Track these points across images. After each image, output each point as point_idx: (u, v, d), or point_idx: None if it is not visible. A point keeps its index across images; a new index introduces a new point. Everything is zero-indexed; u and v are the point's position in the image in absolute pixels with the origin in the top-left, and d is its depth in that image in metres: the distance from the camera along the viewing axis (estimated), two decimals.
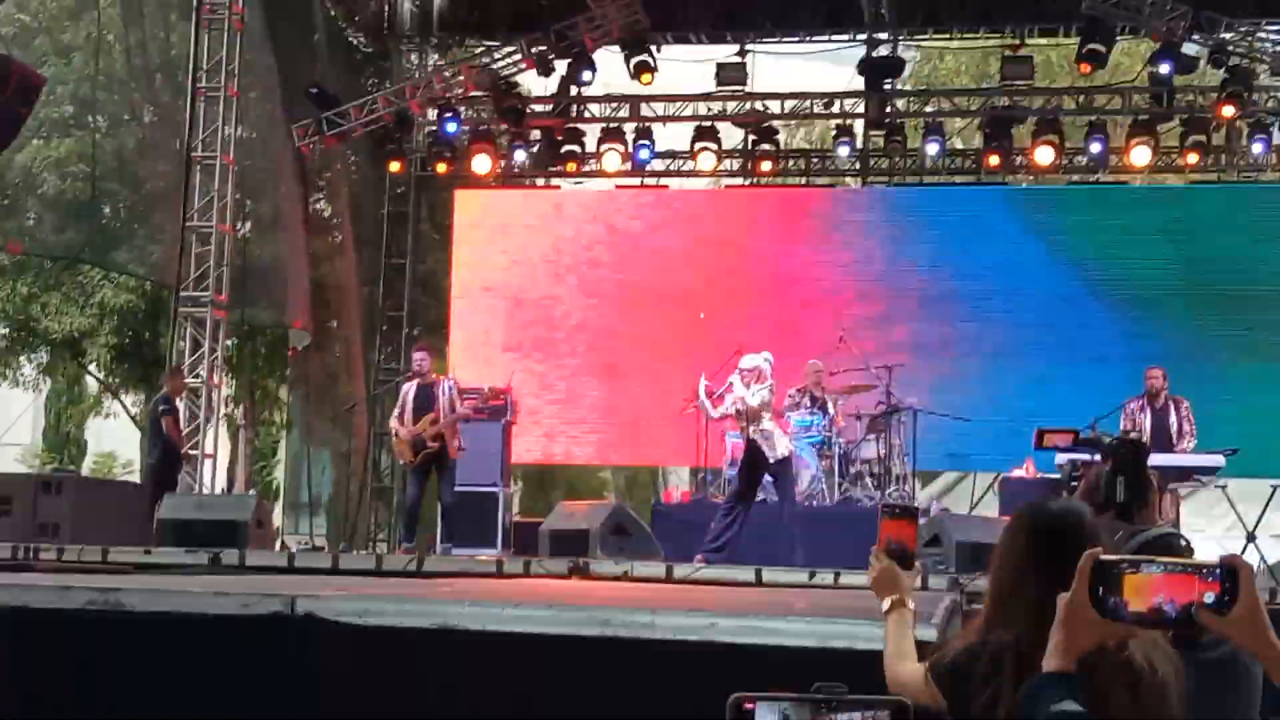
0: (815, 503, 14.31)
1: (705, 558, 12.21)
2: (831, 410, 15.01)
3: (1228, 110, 17.07)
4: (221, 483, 18.51)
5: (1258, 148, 17.88)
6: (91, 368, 27.10)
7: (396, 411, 14.00)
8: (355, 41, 20.54)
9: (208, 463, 16.44)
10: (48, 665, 5.41)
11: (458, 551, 13.58)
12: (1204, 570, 2.36)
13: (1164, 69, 17.10)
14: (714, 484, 15.33)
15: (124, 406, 28.83)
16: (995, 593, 3.04)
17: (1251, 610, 2.36)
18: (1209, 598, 2.34)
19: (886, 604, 3.49)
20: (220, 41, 16.86)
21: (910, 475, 15.57)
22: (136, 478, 28.76)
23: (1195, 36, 16.67)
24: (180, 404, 15.51)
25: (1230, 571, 2.36)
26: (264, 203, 19.50)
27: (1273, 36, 17.03)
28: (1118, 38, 17.72)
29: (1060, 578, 2.50)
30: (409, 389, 13.93)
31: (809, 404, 15.02)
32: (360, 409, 19.05)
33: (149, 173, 19.34)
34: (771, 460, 12.67)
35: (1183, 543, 3.75)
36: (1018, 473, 14.97)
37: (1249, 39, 16.78)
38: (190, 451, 15.67)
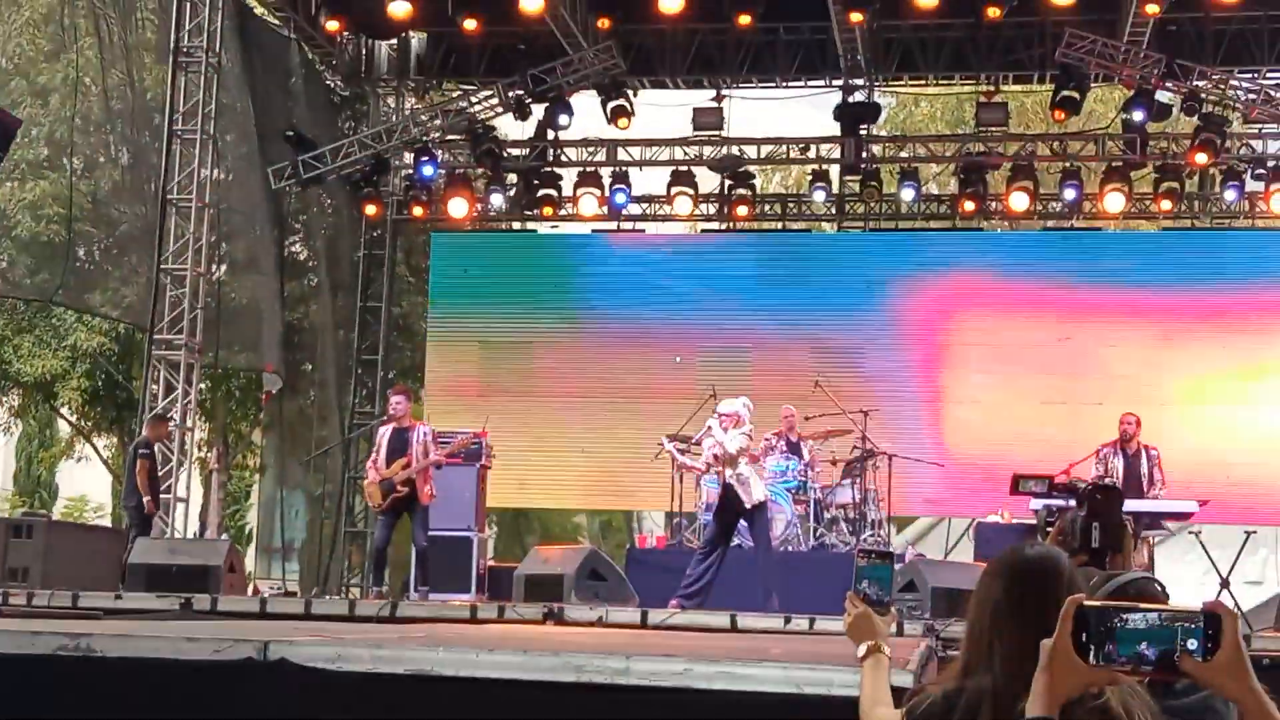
0: (790, 548, 14.30)
1: (680, 603, 12.18)
2: (807, 455, 15.03)
3: (1200, 157, 17.20)
4: (194, 527, 18.38)
5: (1230, 194, 18.02)
6: (64, 410, 26.99)
7: (372, 456, 13.96)
8: (332, 85, 20.60)
9: (180, 506, 16.35)
10: (17, 711, 5.36)
11: (432, 596, 13.52)
12: (1187, 617, 2.36)
13: (1137, 116, 17.24)
14: (689, 529, 15.31)
15: (95, 450, 28.68)
16: (971, 638, 3.03)
17: (1234, 658, 2.37)
18: (1192, 645, 2.34)
19: (862, 650, 3.48)
20: (197, 84, 16.88)
21: (885, 520, 15.58)
22: (108, 522, 28.61)
23: (1168, 84, 16.82)
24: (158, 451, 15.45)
25: (1213, 618, 2.36)
26: (239, 245, 19.46)
27: (1244, 85, 17.20)
28: (1092, 85, 17.87)
29: (1037, 624, 2.50)
30: (384, 432, 13.90)
31: (784, 449, 15.04)
32: (334, 452, 19.00)
33: (124, 215, 19.30)
34: (747, 505, 12.67)
35: (1158, 587, 3.75)
36: (993, 518, 15.00)
37: (1221, 87, 16.93)
38: (162, 495, 15.57)
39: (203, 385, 18.95)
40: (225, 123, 17.82)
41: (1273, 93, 17.14)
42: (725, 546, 12.90)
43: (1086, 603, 2.42)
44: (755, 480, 12.82)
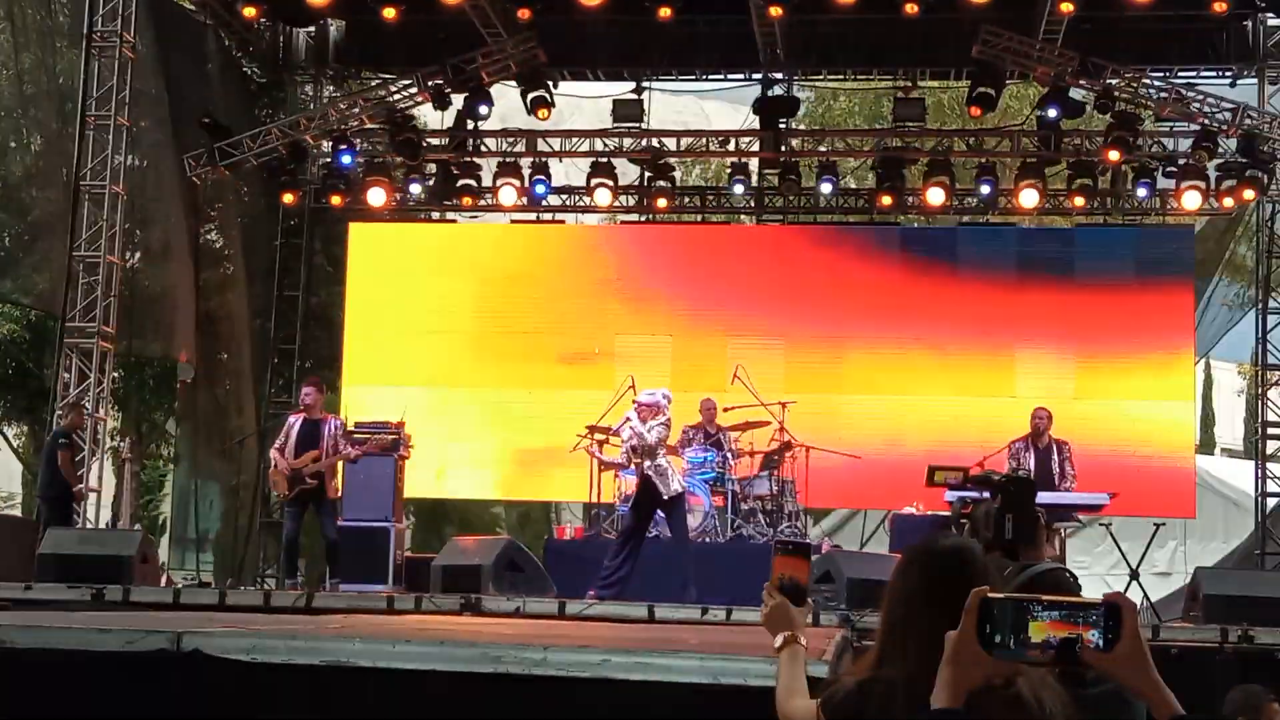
0: (708, 540, 14.35)
1: (597, 594, 12.21)
2: (725, 447, 15.08)
3: (1113, 154, 17.41)
4: (106, 517, 18.15)
5: (1142, 191, 18.27)
6: None
7: (278, 442, 13.91)
8: (249, 72, 20.38)
9: (92, 497, 16.16)
10: None
11: (348, 588, 13.45)
12: (1088, 609, 2.40)
13: (1051, 113, 17.44)
14: (607, 520, 15.32)
15: (5, 439, 28.23)
16: (886, 629, 3.06)
17: (1134, 648, 2.40)
18: (1093, 636, 2.38)
19: (779, 640, 3.50)
20: (111, 69, 16.63)
21: (802, 512, 15.67)
22: (19, 511, 28.19)
23: (1082, 82, 17.03)
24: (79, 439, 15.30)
25: (1114, 610, 2.40)
26: (153, 233, 19.22)
27: (1157, 83, 17.44)
28: (1007, 82, 18.04)
29: (950, 614, 2.52)
30: (295, 422, 13.89)
31: (702, 441, 15.09)
32: (250, 443, 18.82)
33: (36, 200, 19.00)
34: (664, 496, 12.71)
35: (1070, 578, 3.80)
36: (908, 510, 15.12)
37: (1134, 85, 17.15)
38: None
39: (116, 374, 18.70)
40: (140, 109, 17.59)
41: (1184, 91, 17.41)
42: (641, 538, 12.95)
43: (990, 594, 2.45)
44: (673, 472, 12.87)
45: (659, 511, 13.15)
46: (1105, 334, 18.10)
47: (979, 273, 18.58)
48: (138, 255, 19.31)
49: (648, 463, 12.72)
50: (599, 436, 14.60)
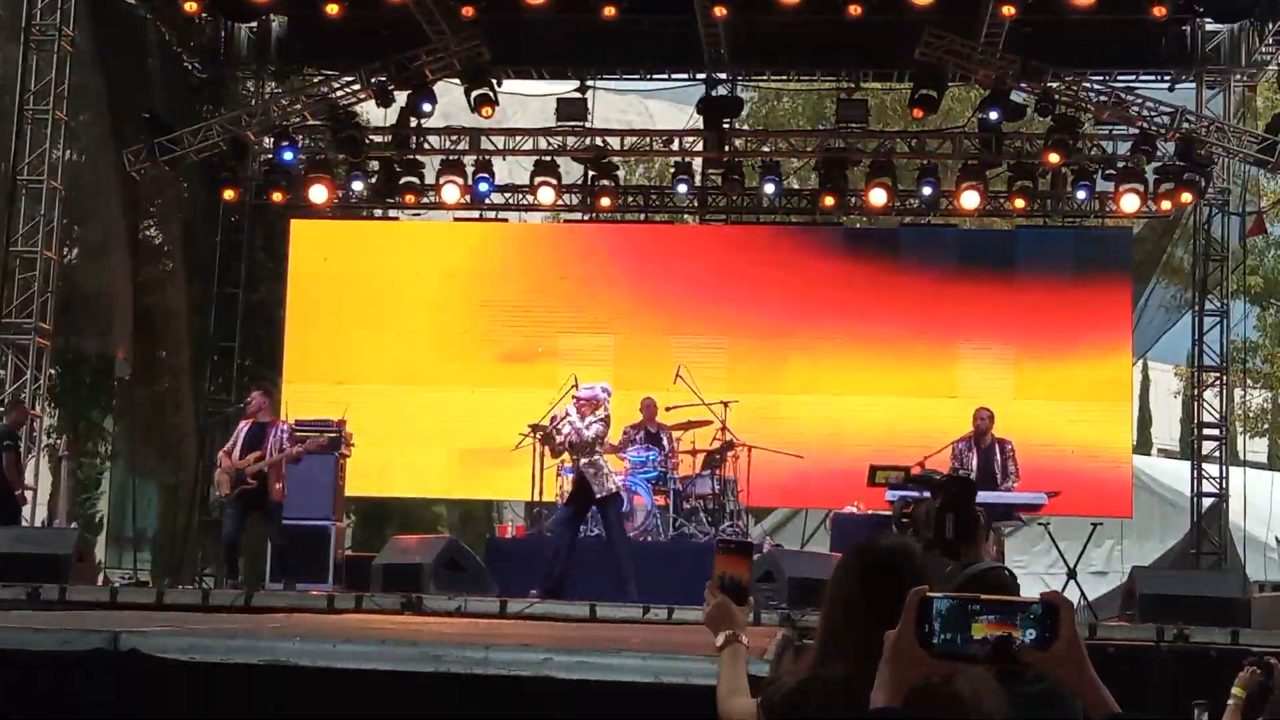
0: (650, 538, 14.36)
1: (539, 593, 12.20)
2: (666, 446, 15.10)
3: (1054, 157, 17.55)
4: (42, 515, 17.97)
5: (1081, 194, 18.41)
6: None
7: (228, 445, 13.93)
8: (190, 67, 20.19)
9: (28, 495, 16.01)
10: None
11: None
12: (1026, 608, 2.42)
13: (993, 115, 17.55)
14: (549, 519, 15.29)
15: None
16: (827, 628, 3.07)
17: (1072, 647, 2.43)
18: (1030, 634, 2.40)
19: (720, 639, 3.51)
20: (49, 63, 16.46)
21: (744, 511, 15.71)
22: None
23: (1023, 85, 17.15)
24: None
25: (1051, 609, 2.42)
26: (91, 228, 19.08)
27: (1096, 86, 17.59)
28: (949, 84, 18.14)
29: (890, 614, 2.53)
30: (243, 426, 13.96)
31: (644, 439, 15.10)
32: (189, 441, 18.69)
33: None
34: (598, 494, 12.71)
35: (1009, 577, 3.84)
36: (849, 509, 15.18)
37: (1074, 88, 17.31)
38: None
39: (53, 371, 18.52)
40: (78, 103, 17.44)
41: (1123, 95, 17.58)
42: (575, 533, 12.97)
43: (930, 594, 2.47)
44: (609, 471, 12.88)
45: (595, 509, 13.16)
46: (1044, 335, 18.25)
47: (920, 273, 18.67)
48: (75, 251, 19.16)
49: (584, 460, 12.74)
50: (539, 433, 14.53)
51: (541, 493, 15.36)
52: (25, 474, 15.47)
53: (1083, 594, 13.51)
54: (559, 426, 13.05)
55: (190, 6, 17.90)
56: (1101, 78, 18.00)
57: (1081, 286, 18.36)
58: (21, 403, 15.62)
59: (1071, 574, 13.33)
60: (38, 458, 16.94)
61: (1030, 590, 2.71)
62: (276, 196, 18.99)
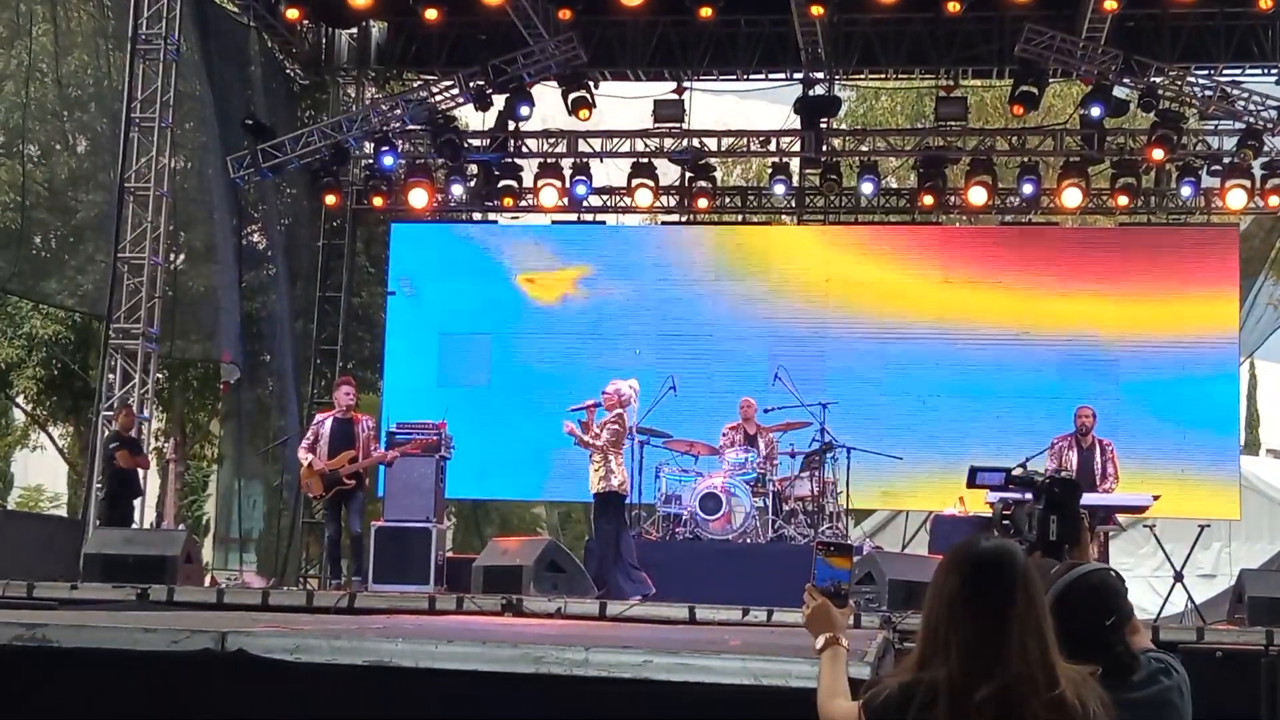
0: (748, 540, 14.33)
1: (642, 595, 12.23)
2: (764, 448, 15.06)
3: (1157, 153, 17.31)
4: (150, 517, 18.30)
5: (1186, 190, 18.13)
6: (19, 399, 26.77)
7: (307, 441, 13.98)
8: (292, 74, 20.47)
9: (137, 497, 16.31)
10: None
11: (389, 588, 13.50)
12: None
13: (1095, 112, 17.34)
14: (648, 520, 15.32)
15: (51, 439, 28.49)
16: (927, 630, 3.05)
17: None
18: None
19: (820, 642, 3.50)
20: (155, 72, 16.74)
21: (843, 513, 15.63)
22: (64, 512, 28.41)
23: (1126, 80, 16.93)
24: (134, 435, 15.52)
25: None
26: (197, 234, 19.35)
27: (1201, 81, 17.31)
28: (1050, 80, 17.94)
29: (992, 616, 2.52)
30: (324, 420, 13.99)
31: (743, 441, 15.07)
32: (292, 443, 18.91)
33: (81, 203, 19.17)
34: (590, 489, 12.81)
35: (1114, 577, 3.79)
36: (950, 511, 15.06)
37: (1178, 84, 17.04)
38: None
39: (160, 375, 18.83)
40: (184, 111, 17.72)
41: (1229, 89, 17.27)
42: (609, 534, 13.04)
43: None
44: (609, 469, 12.76)
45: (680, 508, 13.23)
46: (1150, 334, 17.98)
47: (1022, 275, 18.49)
48: (181, 257, 19.44)
49: (594, 456, 12.79)
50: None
51: (640, 494, 15.37)
52: (145, 457, 15.82)
53: (1190, 597, 13.31)
54: (589, 422, 13.03)
55: (292, 14, 18.17)
56: (1206, 72, 17.72)
57: (1187, 285, 18.08)
58: (129, 406, 15.90)
59: (1178, 577, 13.12)
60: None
61: (1138, 595, 2.68)
62: (377, 201, 19.20)
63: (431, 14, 16.97)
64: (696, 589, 12.18)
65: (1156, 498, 13.52)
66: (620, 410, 12.85)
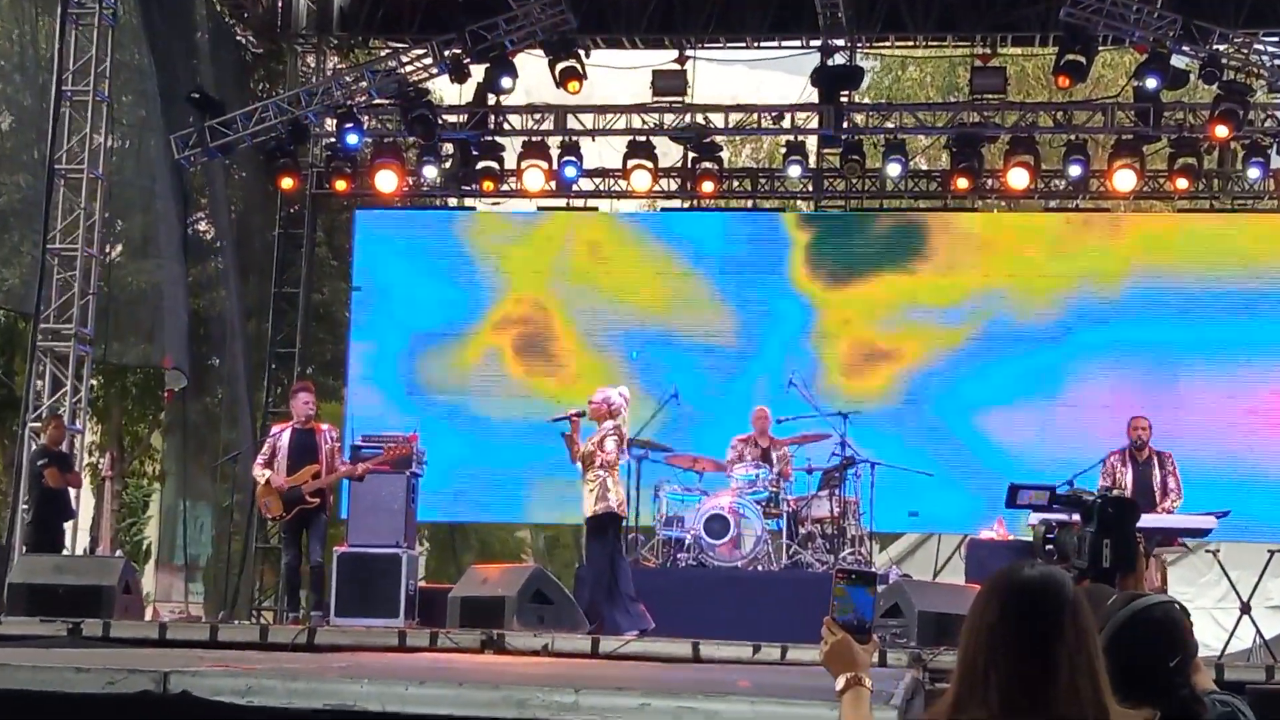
0: (760, 567, 14.33)
1: (639, 629, 12.23)
2: (778, 464, 15.05)
3: (1221, 130, 17.30)
4: (84, 542, 18.27)
5: (1254, 172, 18.14)
6: None
7: (263, 456, 13.94)
8: (244, 41, 20.48)
9: (82, 479, 16.33)
10: None
11: (354, 623, 13.49)
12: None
13: (1151, 83, 17.34)
14: (646, 545, 15.31)
15: None
16: (964, 669, 3.05)
17: None
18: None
19: (841, 682, 3.49)
20: (89, 39, 16.74)
21: (867, 537, 15.63)
22: None
23: (1185, 48, 16.91)
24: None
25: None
26: (136, 223, 19.34)
27: (1270, 49, 17.30)
28: (1100, 48, 17.94)
29: (1039, 653, 2.51)
30: (281, 432, 13.94)
31: (753, 455, 15.06)
32: (244, 458, 18.91)
33: (3, 186, 19.17)
34: (585, 513, 12.80)
35: (1180, 611, 3.78)
36: (986, 534, 15.06)
37: (1244, 51, 17.04)
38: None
39: (94, 381, 18.82)
40: (122, 83, 17.70)
41: None
42: (609, 563, 13.03)
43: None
44: (605, 488, 12.72)
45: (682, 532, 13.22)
46: (1213, 334, 17.98)
47: (1067, 265, 18.50)
48: (118, 248, 19.43)
49: (588, 474, 12.77)
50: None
51: (638, 516, 15.36)
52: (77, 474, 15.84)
53: (1258, 631, 13.30)
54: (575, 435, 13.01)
55: None
56: (1276, 38, 17.71)
57: (1253, 281, 18.10)
58: (59, 417, 15.87)
59: (1245, 609, 13.10)
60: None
61: (1201, 629, 2.67)
62: (340, 185, 19.18)
63: None
64: (701, 622, 12.18)
65: (1224, 514, 13.46)
66: (615, 422, 12.84)
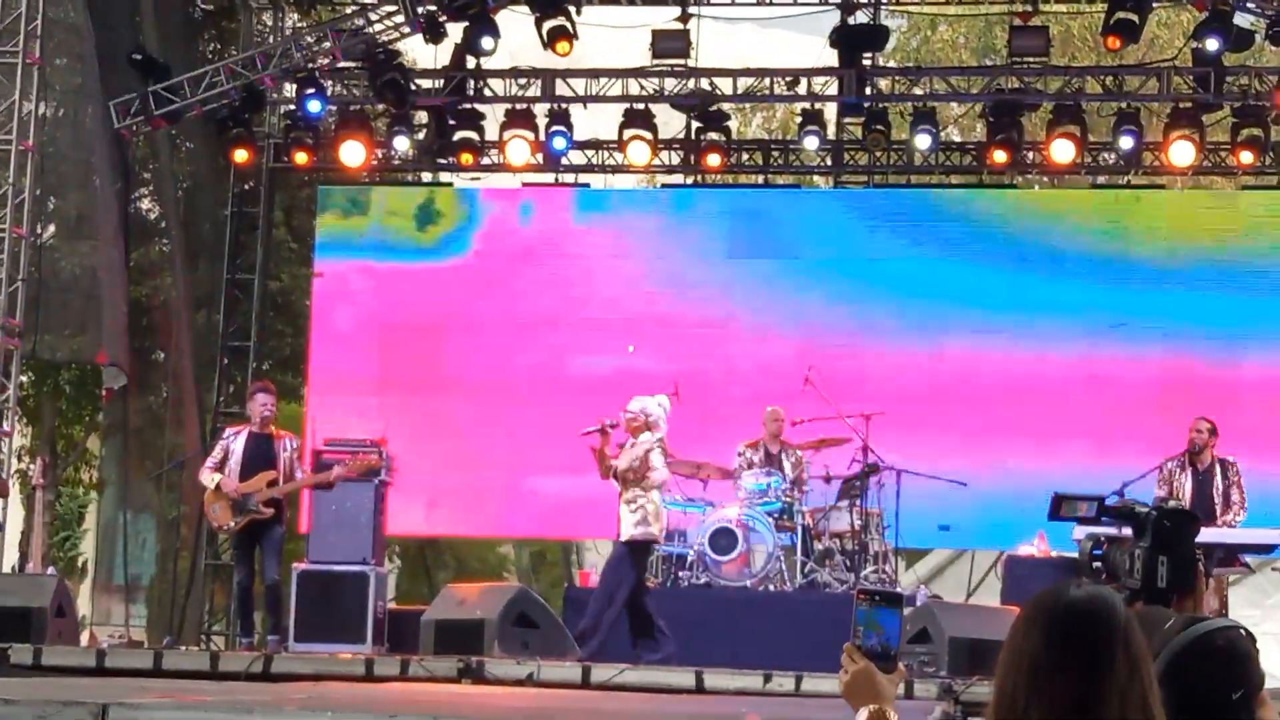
0: (771, 587, 14.35)
1: (645, 657, 12.22)
2: (791, 471, 15.05)
3: None
4: (12, 559, 18.29)
5: None
6: None
7: (213, 460, 13.89)
8: None
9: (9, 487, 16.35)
10: None
11: (315, 648, 13.50)
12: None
13: (1212, 45, 17.34)
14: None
15: None
16: (1002, 701, 3.04)
17: None
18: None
19: (863, 715, 3.49)
20: None
21: (892, 553, 15.65)
22: None
23: (1250, 4, 16.93)
24: None
25: None
26: (70, 200, 19.33)
27: None
28: (1154, 5, 17.95)
29: (1085, 684, 2.50)
30: (234, 436, 13.91)
31: (764, 461, 15.06)
32: (192, 465, 18.92)
33: None
34: (619, 536, 12.65)
35: (1244, 635, 3.77)
36: (1026, 550, 15.07)
37: None
38: None
39: (23, 379, 18.81)
40: (54, 44, 17.70)
41: None
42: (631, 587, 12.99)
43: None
44: (645, 511, 12.62)
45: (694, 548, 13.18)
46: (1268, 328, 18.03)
47: (1118, 252, 18.52)
48: (50, 228, 19.41)
49: (626, 493, 12.64)
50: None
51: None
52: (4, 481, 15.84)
53: None
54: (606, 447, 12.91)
55: None
56: None
57: None
58: None
59: None
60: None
61: (1267, 657, 2.66)
62: (300, 158, 19.16)
63: None
64: (705, 648, 12.21)
65: None
66: (656, 435, 12.68)
